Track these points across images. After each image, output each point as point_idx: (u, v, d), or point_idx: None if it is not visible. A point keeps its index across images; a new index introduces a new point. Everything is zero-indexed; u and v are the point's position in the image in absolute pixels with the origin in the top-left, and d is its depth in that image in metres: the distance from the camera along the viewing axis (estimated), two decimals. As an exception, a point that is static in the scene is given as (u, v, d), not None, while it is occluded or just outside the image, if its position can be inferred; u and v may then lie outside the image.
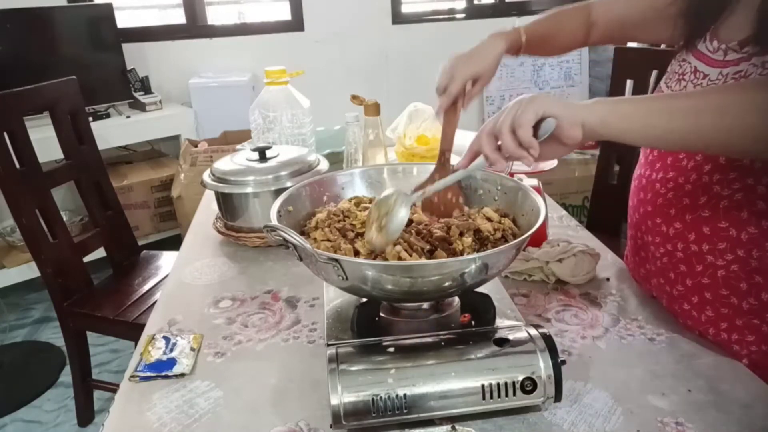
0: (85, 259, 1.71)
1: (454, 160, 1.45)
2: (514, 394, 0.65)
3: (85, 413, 1.82)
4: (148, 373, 0.78)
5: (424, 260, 0.73)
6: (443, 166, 0.90)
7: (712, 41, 0.78)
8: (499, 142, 0.68)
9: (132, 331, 1.55)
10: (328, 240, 0.79)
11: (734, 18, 0.76)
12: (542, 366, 0.65)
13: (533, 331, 0.69)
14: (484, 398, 0.65)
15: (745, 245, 0.74)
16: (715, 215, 0.76)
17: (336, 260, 0.66)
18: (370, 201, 0.90)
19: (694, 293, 0.80)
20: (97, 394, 1.85)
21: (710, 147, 0.69)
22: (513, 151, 0.67)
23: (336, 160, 1.37)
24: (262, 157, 1.15)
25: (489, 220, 0.82)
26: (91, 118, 2.09)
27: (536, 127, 0.66)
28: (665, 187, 0.82)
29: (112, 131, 2.61)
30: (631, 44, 1.73)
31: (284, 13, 3.18)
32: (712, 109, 0.64)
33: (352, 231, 0.81)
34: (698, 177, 0.77)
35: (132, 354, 0.84)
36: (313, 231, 0.83)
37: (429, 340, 0.70)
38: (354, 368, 0.66)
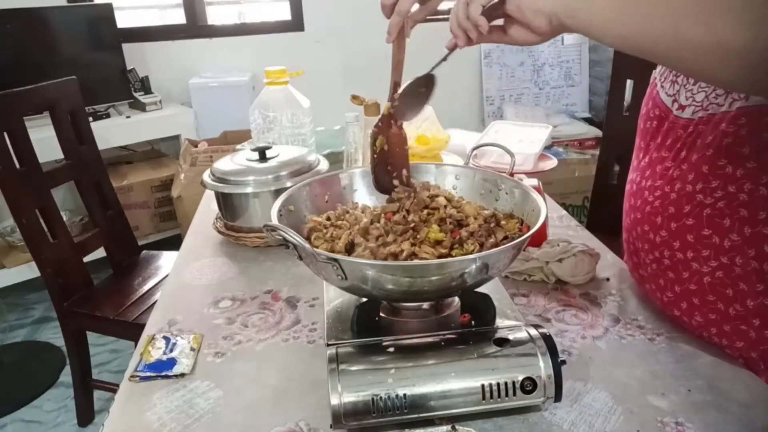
0: (85, 259, 1.72)
1: (453, 158, 1.46)
2: (514, 394, 0.65)
3: (85, 413, 1.82)
4: (148, 373, 0.78)
5: (424, 260, 0.73)
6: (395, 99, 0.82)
7: None
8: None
9: (132, 331, 1.55)
10: (326, 242, 0.79)
11: None
12: (542, 366, 0.65)
13: (533, 331, 0.69)
14: (484, 398, 0.65)
15: (728, 252, 0.74)
16: (699, 223, 0.75)
17: (335, 260, 0.66)
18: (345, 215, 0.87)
19: (683, 299, 0.80)
20: (97, 394, 1.85)
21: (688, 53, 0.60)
22: (461, 21, 0.70)
23: (336, 160, 1.37)
24: (262, 157, 1.15)
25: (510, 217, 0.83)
26: (91, 118, 2.09)
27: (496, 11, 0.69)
28: (653, 195, 0.82)
29: (112, 131, 2.61)
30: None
31: (284, 13, 3.18)
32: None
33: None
34: (683, 186, 0.77)
35: (132, 354, 0.84)
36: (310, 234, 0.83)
37: (429, 340, 0.70)
38: (354, 368, 0.66)
